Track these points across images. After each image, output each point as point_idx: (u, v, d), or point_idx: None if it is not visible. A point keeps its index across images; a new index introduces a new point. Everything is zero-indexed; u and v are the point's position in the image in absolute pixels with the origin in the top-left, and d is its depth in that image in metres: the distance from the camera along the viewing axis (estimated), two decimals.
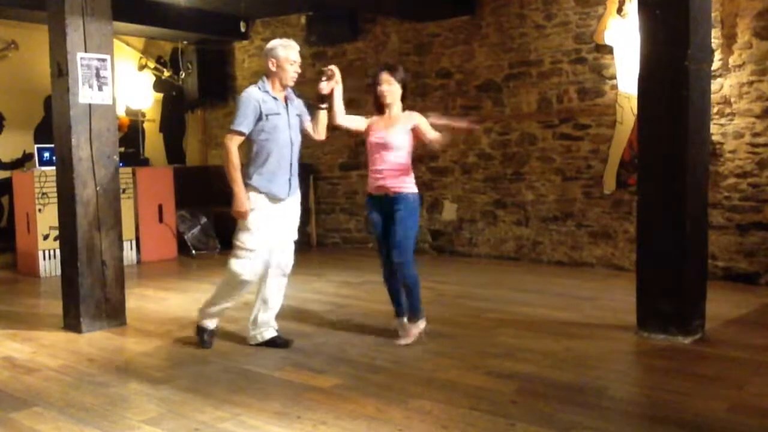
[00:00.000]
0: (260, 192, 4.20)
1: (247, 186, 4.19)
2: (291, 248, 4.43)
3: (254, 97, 4.17)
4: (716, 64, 6.06)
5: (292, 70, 4.22)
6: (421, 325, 4.47)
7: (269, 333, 4.47)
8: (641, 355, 4.24)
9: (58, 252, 6.00)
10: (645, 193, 4.51)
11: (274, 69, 4.21)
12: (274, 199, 4.24)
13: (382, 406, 3.37)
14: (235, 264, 4.25)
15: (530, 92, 7.34)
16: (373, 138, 4.39)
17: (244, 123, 4.15)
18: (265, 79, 4.26)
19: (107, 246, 4.96)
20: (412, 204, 4.35)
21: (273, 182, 4.23)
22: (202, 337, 4.47)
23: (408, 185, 4.38)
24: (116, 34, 6.70)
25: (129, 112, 9.15)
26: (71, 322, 4.93)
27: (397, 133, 4.35)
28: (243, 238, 4.23)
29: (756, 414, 3.21)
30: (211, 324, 4.52)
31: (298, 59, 4.27)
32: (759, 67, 5.99)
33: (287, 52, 4.21)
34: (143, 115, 9.38)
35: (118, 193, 5.06)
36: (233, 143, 4.16)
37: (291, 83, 4.27)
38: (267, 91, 4.21)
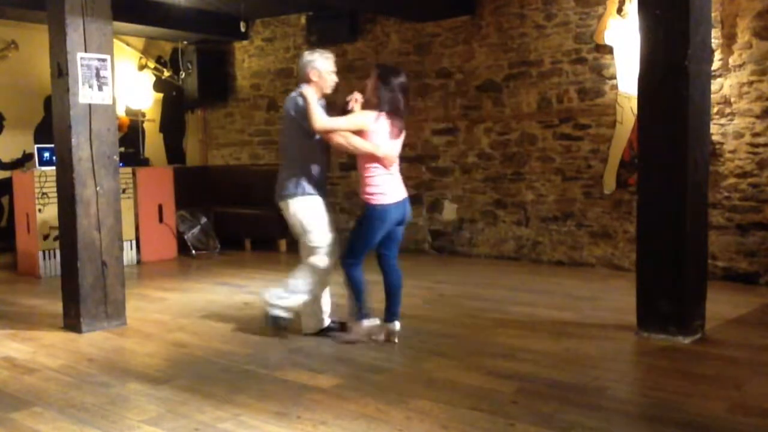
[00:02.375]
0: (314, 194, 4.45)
1: (303, 194, 4.42)
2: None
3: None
4: (716, 64, 6.06)
5: (331, 79, 4.47)
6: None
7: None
8: (641, 355, 4.24)
9: (58, 252, 6.00)
10: (645, 193, 4.51)
11: (315, 79, 4.41)
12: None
13: (382, 406, 3.37)
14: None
15: (530, 92, 7.34)
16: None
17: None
18: (305, 86, 4.39)
19: (107, 246, 4.96)
20: None
21: (319, 185, 4.49)
22: None
23: None
24: (116, 34, 6.70)
25: (129, 112, 9.15)
26: (71, 322, 4.93)
27: None
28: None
29: (756, 414, 3.21)
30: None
31: (335, 68, 4.52)
32: (759, 67, 5.99)
33: (328, 63, 4.45)
34: (143, 115, 9.38)
35: (118, 193, 5.06)
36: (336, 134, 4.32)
37: (330, 92, 4.50)
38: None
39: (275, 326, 4.58)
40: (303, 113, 4.30)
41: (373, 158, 4.30)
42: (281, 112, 4.65)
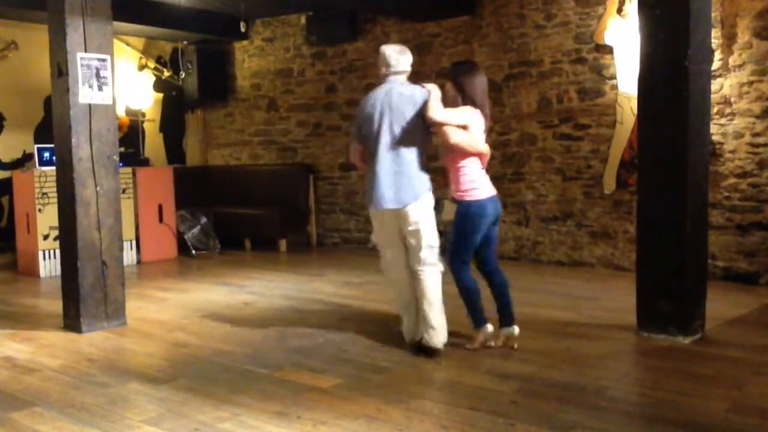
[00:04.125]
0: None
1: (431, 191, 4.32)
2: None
3: None
4: (716, 64, 6.06)
5: None
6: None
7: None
8: (641, 355, 4.24)
9: (58, 252, 6.00)
10: (645, 193, 4.51)
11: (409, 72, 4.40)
12: None
13: (382, 406, 3.37)
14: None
15: (530, 92, 7.34)
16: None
17: None
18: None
19: (107, 246, 4.96)
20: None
21: None
22: None
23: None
24: (116, 34, 6.70)
25: (129, 112, 9.15)
26: (71, 322, 4.93)
27: None
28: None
29: (756, 414, 3.21)
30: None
31: None
32: (759, 67, 5.99)
33: None
34: (143, 115, 9.38)
35: (118, 193, 5.06)
36: (452, 132, 4.17)
37: None
38: None
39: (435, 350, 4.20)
40: (424, 107, 4.16)
41: (471, 154, 4.17)
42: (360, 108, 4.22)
